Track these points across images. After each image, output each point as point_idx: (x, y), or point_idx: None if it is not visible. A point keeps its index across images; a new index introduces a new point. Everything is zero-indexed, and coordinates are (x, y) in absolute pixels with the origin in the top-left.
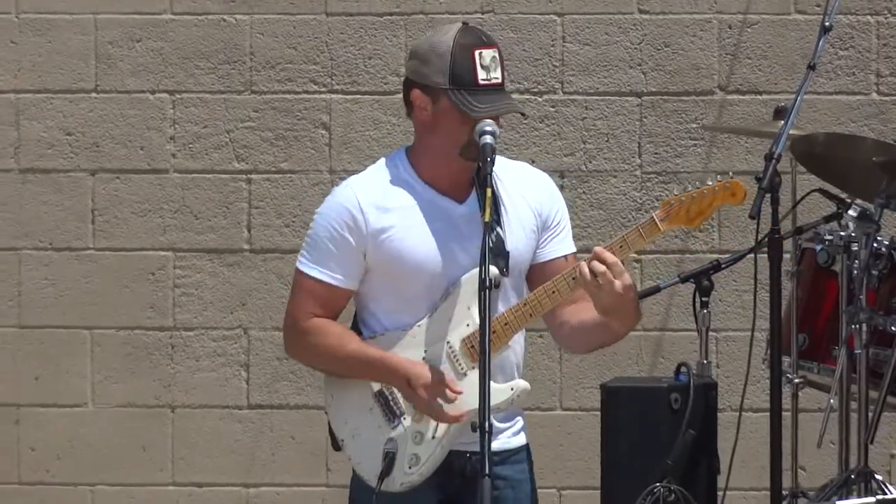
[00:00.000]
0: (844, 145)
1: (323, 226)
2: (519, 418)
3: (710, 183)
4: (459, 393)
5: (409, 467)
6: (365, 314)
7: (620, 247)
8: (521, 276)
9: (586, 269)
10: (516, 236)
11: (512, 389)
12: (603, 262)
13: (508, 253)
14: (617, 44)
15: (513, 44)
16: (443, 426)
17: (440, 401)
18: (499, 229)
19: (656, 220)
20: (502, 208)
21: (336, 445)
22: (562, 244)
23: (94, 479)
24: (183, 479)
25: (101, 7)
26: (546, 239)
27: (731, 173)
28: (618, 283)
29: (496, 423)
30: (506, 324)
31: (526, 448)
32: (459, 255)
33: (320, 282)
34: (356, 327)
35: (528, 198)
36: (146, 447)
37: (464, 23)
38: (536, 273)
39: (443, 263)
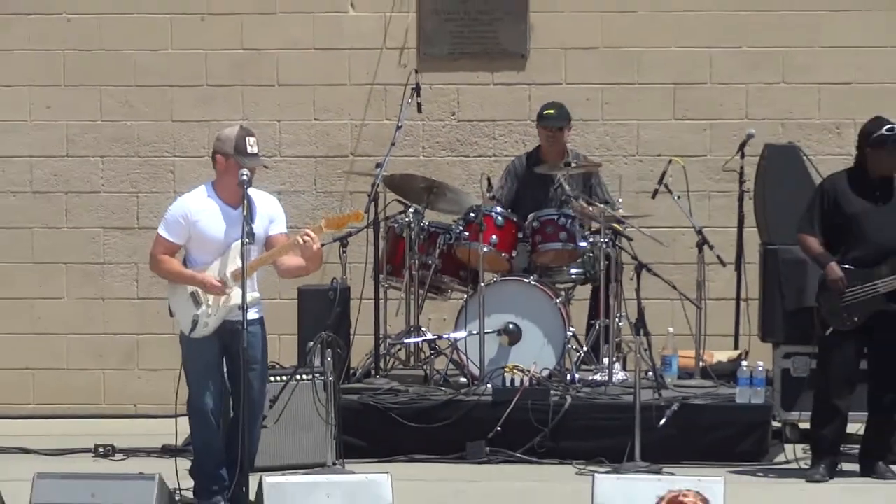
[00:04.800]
0: (408, 178)
1: (172, 214)
2: (259, 306)
3: (348, 211)
4: (223, 284)
5: (203, 327)
6: (188, 256)
7: (314, 230)
8: (262, 244)
9: (300, 239)
10: (258, 226)
11: (252, 297)
12: (309, 236)
13: (254, 234)
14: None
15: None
16: (221, 311)
17: (214, 287)
18: (252, 224)
19: (322, 225)
20: (255, 212)
21: (171, 314)
22: (279, 228)
23: None
24: None
25: None
26: (272, 227)
27: (357, 207)
28: (315, 247)
29: (249, 308)
30: (252, 267)
31: (260, 319)
32: (232, 234)
33: (167, 240)
34: (184, 262)
35: (265, 208)
36: None
37: (241, 126)
38: (269, 242)
39: (224, 238)
